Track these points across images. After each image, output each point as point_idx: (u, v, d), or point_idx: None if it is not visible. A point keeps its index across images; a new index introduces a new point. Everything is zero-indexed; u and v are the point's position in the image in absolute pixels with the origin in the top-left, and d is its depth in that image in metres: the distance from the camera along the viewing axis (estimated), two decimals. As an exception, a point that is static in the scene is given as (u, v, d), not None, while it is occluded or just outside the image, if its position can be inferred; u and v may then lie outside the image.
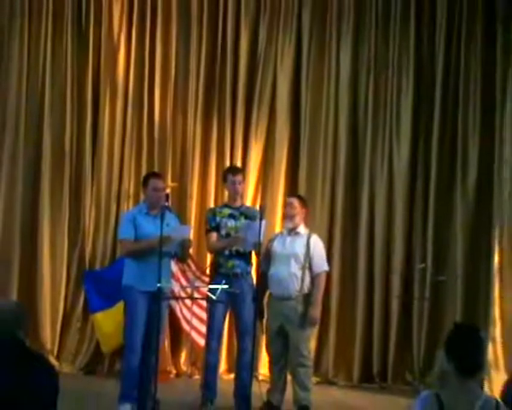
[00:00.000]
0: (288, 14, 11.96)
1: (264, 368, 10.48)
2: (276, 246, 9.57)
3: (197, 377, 10.47)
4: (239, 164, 11.44)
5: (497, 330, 9.92)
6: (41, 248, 11.59)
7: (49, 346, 11.25)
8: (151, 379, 8.83)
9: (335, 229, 11.75)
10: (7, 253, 11.51)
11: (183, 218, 10.68)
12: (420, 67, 11.92)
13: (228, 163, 11.52)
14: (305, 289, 9.45)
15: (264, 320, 9.59)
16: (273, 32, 12.00)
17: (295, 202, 9.77)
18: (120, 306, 9.75)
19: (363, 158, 11.90)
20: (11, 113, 11.59)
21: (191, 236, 9.94)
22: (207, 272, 10.20)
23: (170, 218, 9.14)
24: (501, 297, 10.00)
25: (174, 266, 9.99)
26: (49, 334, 11.41)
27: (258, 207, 10.38)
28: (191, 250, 10.21)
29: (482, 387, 6.16)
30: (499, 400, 5.58)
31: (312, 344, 10.12)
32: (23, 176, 11.60)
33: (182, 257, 9.66)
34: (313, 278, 9.53)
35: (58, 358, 11.23)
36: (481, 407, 5.27)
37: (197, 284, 10.49)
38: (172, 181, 10.74)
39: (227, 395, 9.45)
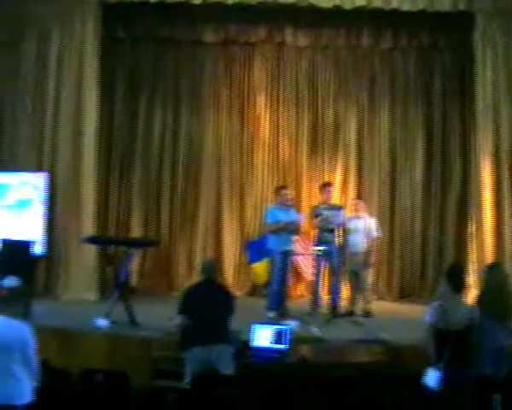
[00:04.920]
0: (356, 95, 12.08)
1: (345, 292, 10.41)
2: (350, 225, 9.73)
3: (309, 296, 10.46)
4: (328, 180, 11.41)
5: (471, 267, 9.93)
6: (224, 231, 11.81)
7: (230, 281, 11.33)
8: (285, 298, 9.08)
9: (383, 215, 11.60)
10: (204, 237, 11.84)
11: (299, 210, 10.58)
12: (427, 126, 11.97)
13: (323, 180, 11.45)
14: (367, 247, 9.58)
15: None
16: (348, 106, 12.04)
17: (359, 202, 9.99)
18: (267, 260, 9.93)
19: (399, 175, 11.93)
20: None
21: (304, 220, 10.09)
22: (313, 240, 10.24)
23: (292, 210, 9.41)
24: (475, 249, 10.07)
25: (295, 237, 9.97)
26: (231, 275, 11.61)
27: (339, 203, 10.59)
28: (304, 228, 10.28)
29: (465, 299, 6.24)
30: (473, 305, 5.75)
31: (370, 277, 10.10)
32: (206, 196, 11.90)
33: (299, 232, 9.85)
34: (371, 241, 9.65)
35: (234, 288, 11.20)
36: (465, 309, 5.49)
37: (308, 246, 10.66)
38: (292, 190, 10.72)
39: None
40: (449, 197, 11.77)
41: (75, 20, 10.69)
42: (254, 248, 11.24)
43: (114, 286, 8.54)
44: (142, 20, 11.61)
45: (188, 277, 11.41)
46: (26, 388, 4.59)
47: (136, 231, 11.75)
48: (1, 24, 10.84)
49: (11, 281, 4.78)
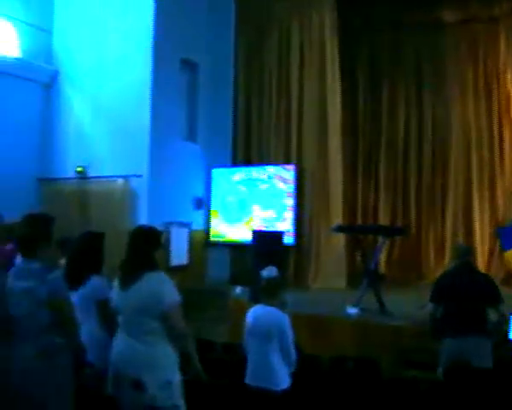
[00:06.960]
0: None
1: None
2: None
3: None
4: None
5: None
6: (474, 218, 11.27)
7: (482, 269, 10.06)
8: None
9: None
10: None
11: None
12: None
13: None
14: None
15: None
16: None
17: None
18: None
19: None
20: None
21: None
22: None
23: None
24: None
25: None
26: (482, 263, 10.87)
27: None
28: None
29: None
30: None
31: None
32: (454, 182, 11.47)
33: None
34: None
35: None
36: None
37: None
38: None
39: None
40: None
41: (313, 12, 10.85)
42: (507, 235, 10.58)
43: (364, 274, 8.48)
44: (377, 6, 11.43)
45: (437, 265, 11.04)
46: (284, 374, 4.68)
47: (383, 220, 11.68)
48: (245, 24, 11.37)
49: (270, 271, 4.87)
